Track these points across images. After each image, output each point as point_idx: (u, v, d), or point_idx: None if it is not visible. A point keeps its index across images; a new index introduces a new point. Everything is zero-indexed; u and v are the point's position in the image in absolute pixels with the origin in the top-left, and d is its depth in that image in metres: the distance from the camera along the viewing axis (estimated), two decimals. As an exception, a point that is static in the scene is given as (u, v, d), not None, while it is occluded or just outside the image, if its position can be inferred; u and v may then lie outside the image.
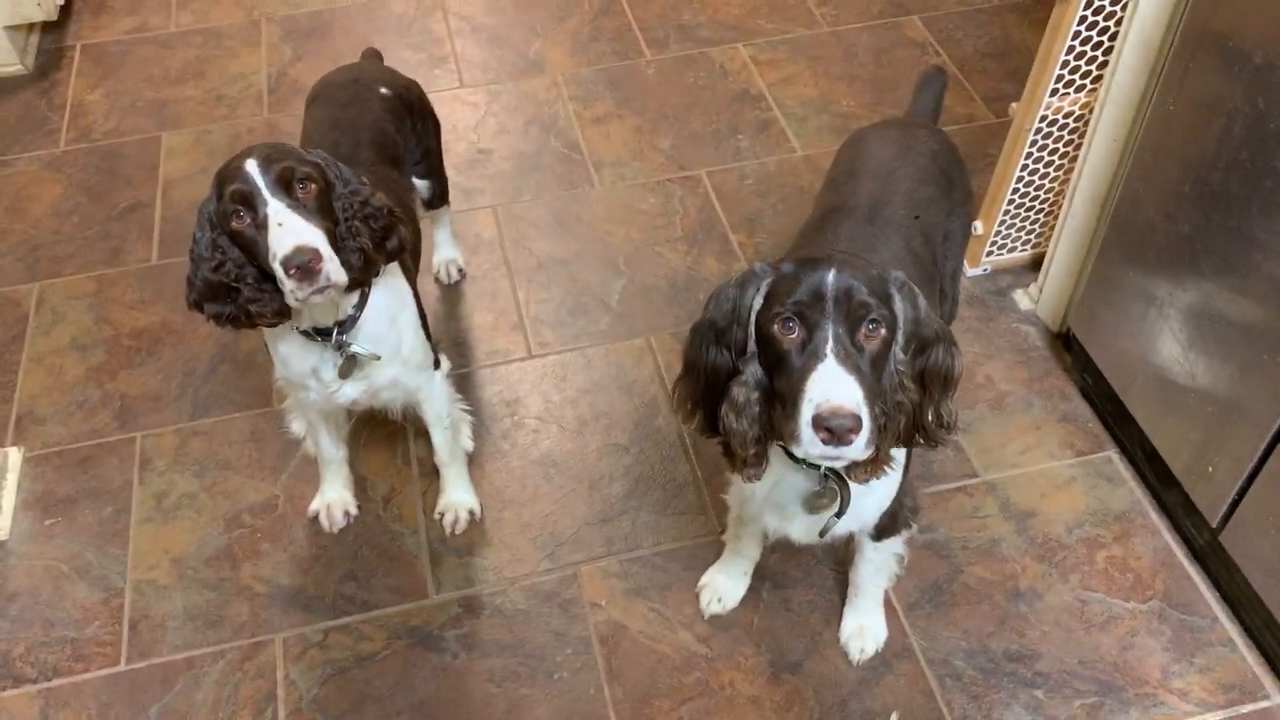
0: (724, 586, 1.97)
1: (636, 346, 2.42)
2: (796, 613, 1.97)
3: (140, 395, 2.34)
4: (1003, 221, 2.41)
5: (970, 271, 2.50)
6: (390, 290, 1.80)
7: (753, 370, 1.35)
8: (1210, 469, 1.88)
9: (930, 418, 1.39)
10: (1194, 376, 1.88)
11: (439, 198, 2.36)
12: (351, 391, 1.81)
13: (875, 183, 1.79)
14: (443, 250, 2.54)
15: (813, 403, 1.24)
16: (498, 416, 2.29)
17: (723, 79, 3.08)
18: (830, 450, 1.24)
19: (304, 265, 1.50)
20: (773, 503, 1.61)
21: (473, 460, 2.19)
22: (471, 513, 2.11)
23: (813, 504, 1.54)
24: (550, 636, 1.95)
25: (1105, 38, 2.07)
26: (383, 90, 2.10)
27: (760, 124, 2.94)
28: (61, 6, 3.27)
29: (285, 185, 1.54)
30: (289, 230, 1.52)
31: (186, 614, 1.99)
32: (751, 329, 1.35)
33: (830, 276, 1.28)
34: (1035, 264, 2.49)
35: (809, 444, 1.25)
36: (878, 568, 1.84)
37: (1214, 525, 1.91)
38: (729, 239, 2.64)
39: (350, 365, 1.75)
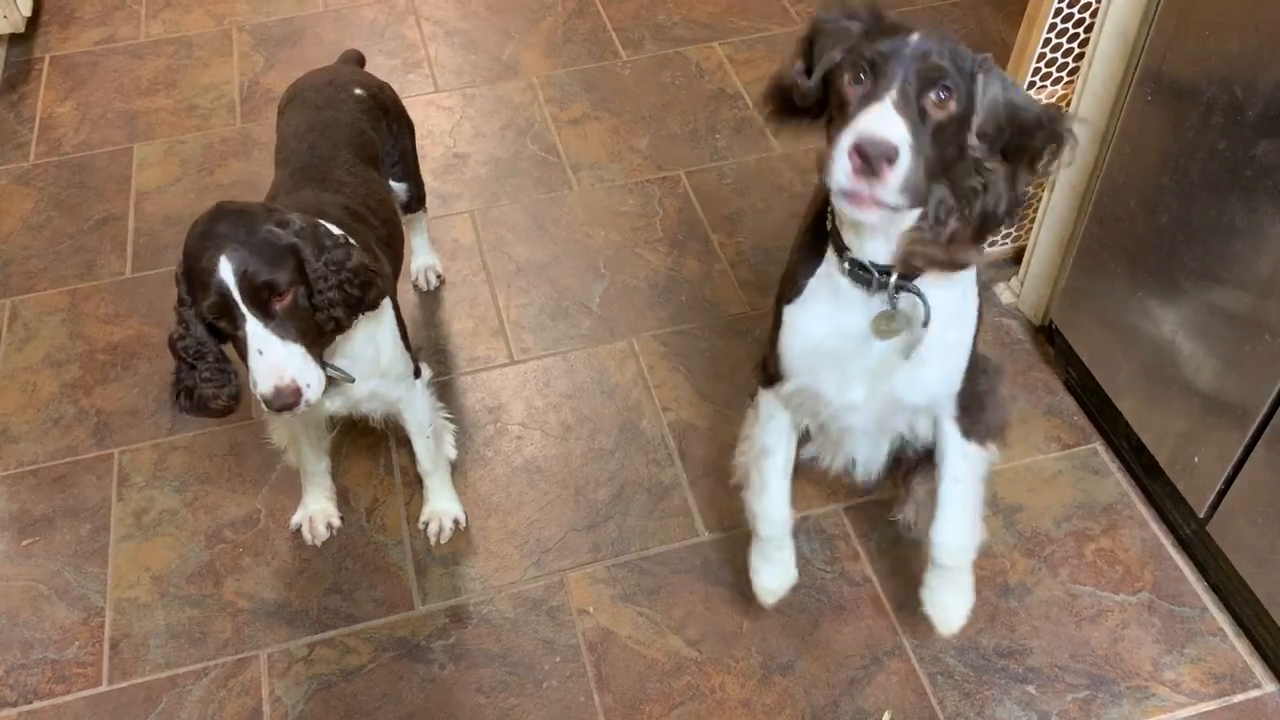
0: (771, 575, 1.80)
1: (619, 349, 2.40)
2: (786, 614, 1.96)
3: (117, 410, 2.31)
4: (983, 215, 2.40)
5: (951, 266, 2.49)
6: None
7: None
8: (1196, 459, 1.87)
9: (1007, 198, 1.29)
10: (1178, 367, 1.87)
11: (416, 201, 2.34)
12: (330, 405, 1.79)
13: None
14: (420, 256, 2.52)
15: (854, 131, 1.17)
16: (480, 424, 2.27)
17: (699, 78, 3.07)
18: (859, 185, 1.17)
19: (284, 405, 1.50)
20: (827, 359, 1.46)
21: (456, 468, 2.17)
22: (456, 521, 2.09)
23: (883, 327, 1.39)
24: (538, 644, 1.93)
25: (1081, 29, 2.07)
26: (357, 91, 2.08)
27: (738, 122, 2.93)
28: (29, 18, 3.22)
29: (262, 303, 1.49)
30: (269, 364, 1.49)
31: (169, 632, 1.96)
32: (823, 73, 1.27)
33: (914, 38, 1.21)
34: (1016, 257, 2.48)
35: (839, 174, 1.18)
36: (967, 486, 1.62)
37: (1201, 515, 1.90)
38: (710, 239, 2.63)
39: (327, 383, 1.72)
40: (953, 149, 1.24)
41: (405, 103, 2.26)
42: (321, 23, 3.32)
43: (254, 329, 1.49)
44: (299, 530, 2.09)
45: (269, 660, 1.92)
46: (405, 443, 2.11)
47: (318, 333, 1.58)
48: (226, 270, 1.46)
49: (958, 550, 1.67)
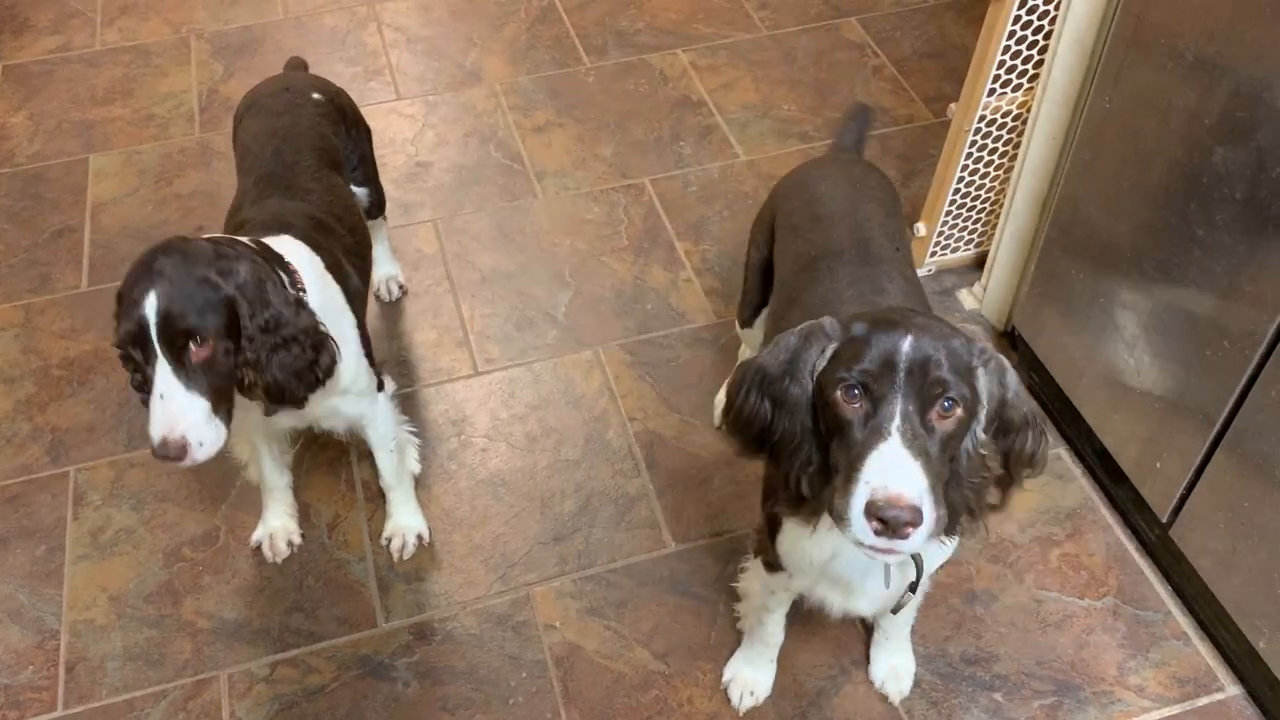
0: (753, 679, 1.84)
1: (585, 359, 2.39)
2: (753, 625, 1.95)
3: (72, 427, 2.27)
4: (945, 221, 2.41)
5: (916, 272, 2.50)
6: (331, 328, 1.74)
7: (807, 448, 1.24)
8: (1158, 464, 1.88)
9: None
10: (1139, 373, 1.88)
11: (377, 207, 2.32)
12: (289, 420, 1.76)
13: (847, 222, 1.70)
14: (382, 266, 2.49)
15: (869, 486, 1.12)
16: (444, 436, 2.25)
17: (663, 85, 3.06)
18: (882, 542, 1.12)
19: (167, 457, 1.45)
20: (832, 578, 1.49)
21: (419, 482, 2.14)
22: (420, 536, 2.06)
23: (886, 577, 1.44)
24: (505, 661, 1.91)
25: (1040, 36, 2.07)
26: (315, 96, 2.06)
27: (702, 130, 2.92)
28: (-20, 27, 3.17)
29: (178, 348, 1.44)
30: (165, 412, 1.44)
31: (126, 654, 1.93)
32: (810, 385, 1.22)
33: (906, 345, 1.15)
34: (979, 263, 2.49)
35: (860, 532, 1.13)
36: (907, 612, 1.78)
37: (1164, 520, 1.91)
38: (675, 247, 2.62)
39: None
40: (957, 444, 1.20)
41: (366, 111, 2.24)
42: (281, 30, 3.28)
43: (162, 371, 1.44)
44: (259, 547, 2.06)
45: (229, 681, 1.89)
46: (367, 456, 2.08)
47: (232, 389, 1.52)
48: (150, 306, 1.42)
49: (901, 630, 1.84)
